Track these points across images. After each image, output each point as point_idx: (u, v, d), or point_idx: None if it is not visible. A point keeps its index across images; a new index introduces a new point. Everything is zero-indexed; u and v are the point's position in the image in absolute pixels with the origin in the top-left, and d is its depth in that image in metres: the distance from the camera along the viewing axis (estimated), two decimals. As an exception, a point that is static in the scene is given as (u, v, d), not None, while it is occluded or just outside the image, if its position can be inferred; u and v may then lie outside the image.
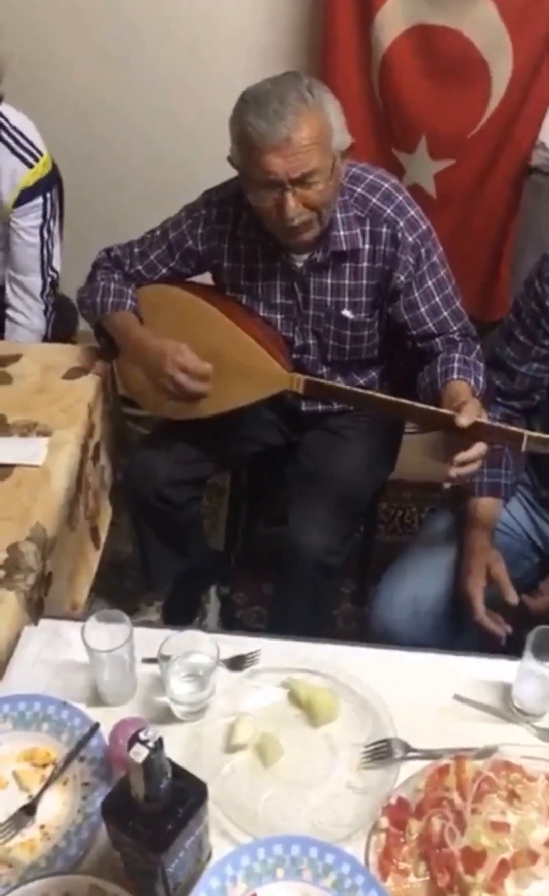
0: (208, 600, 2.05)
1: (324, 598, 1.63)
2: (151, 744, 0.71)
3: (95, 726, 0.99)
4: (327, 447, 1.65)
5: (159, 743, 0.72)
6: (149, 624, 1.79)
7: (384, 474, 1.76)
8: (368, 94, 2.17)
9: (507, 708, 1.05)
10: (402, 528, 2.33)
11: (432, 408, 1.30)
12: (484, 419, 1.25)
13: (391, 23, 2.04)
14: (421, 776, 0.95)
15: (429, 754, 0.98)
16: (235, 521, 2.15)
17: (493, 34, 2.00)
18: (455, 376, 1.39)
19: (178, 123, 2.31)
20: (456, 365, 1.41)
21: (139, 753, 0.70)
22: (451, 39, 2.03)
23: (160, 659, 1.01)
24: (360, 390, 1.48)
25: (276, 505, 2.14)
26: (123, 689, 1.04)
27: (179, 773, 0.78)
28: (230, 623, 2.05)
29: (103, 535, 1.67)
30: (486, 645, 1.36)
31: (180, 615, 2.02)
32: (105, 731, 0.99)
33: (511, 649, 1.33)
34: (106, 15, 2.22)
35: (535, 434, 1.22)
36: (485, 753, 0.97)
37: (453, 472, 1.23)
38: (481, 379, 1.42)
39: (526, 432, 1.22)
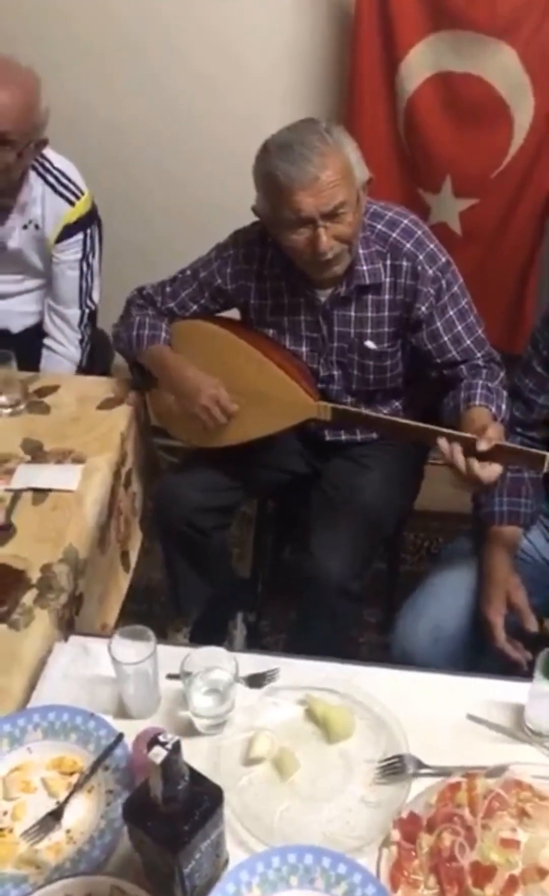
0: (235, 627, 2.08)
1: (344, 623, 1.66)
2: (169, 746, 0.75)
3: (120, 736, 1.03)
4: (349, 475, 1.70)
5: (177, 745, 0.76)
6: (173, 641, 1.84)
7: (406, 502, 1.79)
8: (393, 137, 2.25)
9: (519, 728, 1.07)
10: (428, 558, 2.35)
11: (454, 432, 1.34)
12: (505, 443, 1.29)
13: (416, 70, 2.13)
14: (433, 792, 0.98)
15: (441, 771, 1.01)
16: (261, 548, 2.19)
17: (514, 79, 2.07)
18: (477, 402, 1.44)
19: (209, 167, 2.42)
20: (479, 391, 1.46)
21: (158, 754, 0.75)
22: (474, 85, 2.10)
23: (182, 674, 1.05)
24: (384, 416, 1.54)
25: (302, 532, 2.18)
26: (148, 703, 1.09)
27: (196, 777, 0.82)
28: (256, 650, 2.07)
29: (134, 560, 1.73)
30: (506, 671, 1.38)
31: (207, 641, 2.03)
32: (129, 742, 1.03)
33: (530, 675, 1.35)
34: (134, 59, 2.32)
35: None
36: (496, 772, 0.99)
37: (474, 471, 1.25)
38: (503, 406, 1.46)
39: (547, 454, 1.25)
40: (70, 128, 2.36)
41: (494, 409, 1.43)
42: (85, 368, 1.94)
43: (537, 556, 1.53)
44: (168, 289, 1.71)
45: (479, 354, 1.56)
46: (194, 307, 1.69)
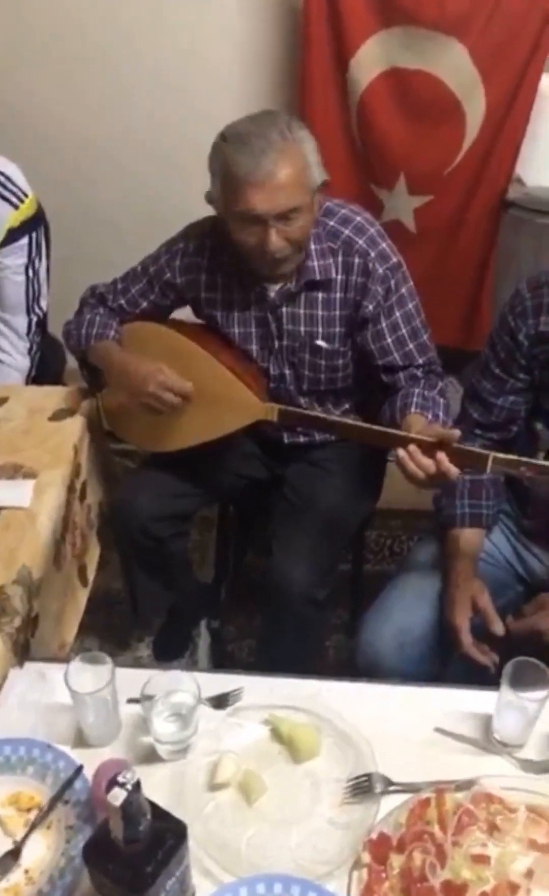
0: (199, 634, 2.06)
1: (311, 632, 1.64)
2: (128, 786, 0.72)
3: (79, 769, 0.99)
4: (310, 480, 1.67)
5: (137, 785, 0.73)
6: (133, 663, 1.81)
7: (368, 506, 1.78)
8: (346, 133, 2.24)
9: (487, 739, 1.06)
10: (391, 558, 2.34)
11: (399, 432, 1.32)
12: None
13: (367, 65, 2.11)
14: (402, 810, 0.96)
15: (410, 788, 0.99)
16: (223, 553, 2.16)
17: (465, 76, 2.07)
18: (413, 409, 1.42)
19: (162, 162, 2.37)
20: (415, 399, 1.45)
21: (117, 796, 0.72)
22: (425, 81, 2.10)
23: (143, 699, 1.02)
24: (334, 417, 1.51)
25: (264, 535, 2.16)
26: (107, 731, 1.05)
27: (158, 813, 0.79)
28: (221, 657, 2.05)
29: (91, 574, 1.68)
30: (474, 674, 1.37)
31: (171, 650, 2.03)
32: (89, 772, 0.99)
33: (498, 678, 1.35)
34: (90, 58, 2.28)
35: (502, 456, 1.23)
36: (466, 785, 0.98)
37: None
38: (440, 413, 1.44)
39: (492, 453, 1.23)
40: (16, 126, 2.31)
41: (430, 417, 1.41)
42: (35, 377, 1.89)
43: (500, 558, 1.53)
44: (119, 286, 1.67)
45: (420, 361, 1.54)
46: (144, 304, 1.66)
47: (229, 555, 2.18)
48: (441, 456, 1.23)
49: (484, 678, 1.33)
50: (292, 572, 1.53)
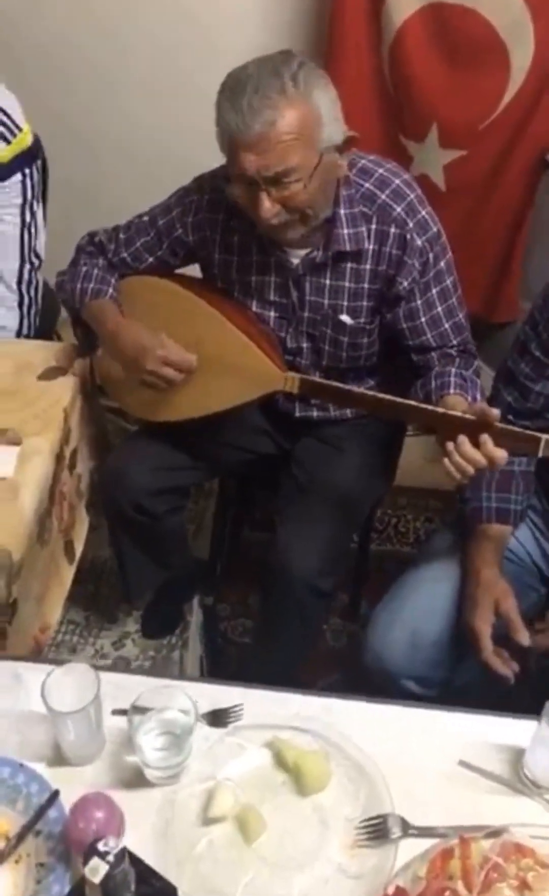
0: (190, 611, 1.95)
1: (313, 621, 1.53)
2: (110, 857, 0.60)
3: (54, 794, 0.87)
4: (321, 458, 1.54)
5: (121, 856, 0.61)
6: (120, 669, 1.69)
7: (382, 489, 1.65)
8: (377, 76, 2.04)
9: (517, 778, 0.94)
10: (397, 538, 2.22)
11: (440, 409, 1.19)
12: (499, 423, 1.14)
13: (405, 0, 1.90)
14: (422, 861, 0.85)
15: (430, 832, 0.88)
16: (221, 527, 2.03)
17: (514, 16, 1.87)
18: (452, 390, 1.29)
19: (173, 100, 2.17)
20: (453, 379, 1.31)
21: (96, 871, 0.59)
22: (468, 19, 1.89)
23: (130, 718, 0.89)
24: (360, 390, 1.37)
25: (266, 510, 2.03)
26: (89, 749, 0.93)
27: (144, 876, 0.67)
28: (214, 635, 1.95)
29: (79, 549, 1.55)
30: (488, 680, 1.26)
31: (161, 627, 1.93)
32: (66, 798, 0.87)
33: (516, 687, 1.24)
34: None
35: None
36: (494, 834, 0.86)
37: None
38: (478, 395, 1.31)
39: (544, 436, 1.11)
40: (23, 47, 2.10)
41: (469, 399, 1.27)
42: (31, 336, 1.72)
43: (525, 557, 1.41)
44: (122, 236, 1.50)
45: (454, 342, 1.40)
46: (150, 259, 1.49)
47: (227, 529, 2.06)
48: (485, 438, 1.10)
49: (501, 685, 1.23)
50: (298, 559, 1.41)
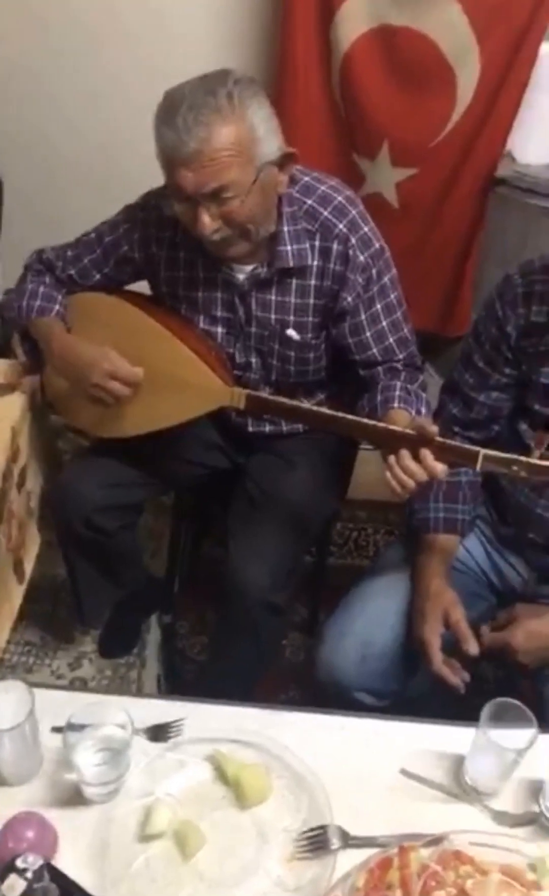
0: (148, 630, 1.93)
1: (267, 637, 1.51)
2: (29, 873, 0.59)
3: (-12, 814, 0.86)
4: (273, 473, 1.54)
5: (40, 873, 0.59)
6: (76, 689, 1.67)
7: (334, 503, 1.65)
8: (327, 96, 2.07)
9: (459, 785, 0.94)
10: (357, 551, 2.23)
11: (383, 425, 1.21)
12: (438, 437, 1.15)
13: (353, 21, 1.94)
14: (360, 871, 0.84)
15: (370, 842, 0.87)
16: (178, 543, 2.02)
17: (459, 38, 1.91)
18: (396, 404, 1.31)
19: (123, 118, 2.18)
20: (397, 393, 1.33)
21: (13, 887, 0.58)
22: (415, 41, 1.93)
23: (65, 734, 0.88)
24: (306, 406, 1.37)
25: (223, 525, 2.02)
26: (26, 768, 0.92)
27: (68, 892, 0.66)
28: (172, 654, 1.93)
29: (29, 568, 1.54)
30: (439, 690, 1.26)
31: (118, 646, 1.90)
32: (2, 818, 0.86)
33: (465, 696, 1.24)
34: (50, 8, 2.08)
35: (493, 453, 1.12)
36: (433, 842, 0.86)
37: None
38: (423, 409, 1.34)
39: (482, 450, 1.12)
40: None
41: (413, 413, 1.29)
42: None
43: (473, 566, 1.41)
44: (70, 253, 1.50)
45: (400, 356, 1.41)
46: (98, 276, 1.49)
47: (185, 545, 2.05)
48: (426, 453, 1.12)
49: (451, 695, 1.24)
50: (249, 574, 1.40)
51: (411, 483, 1.13)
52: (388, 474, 1.15)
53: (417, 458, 1.12)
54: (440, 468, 1.12)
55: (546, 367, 1.25)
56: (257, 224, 1.26)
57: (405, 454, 1.13)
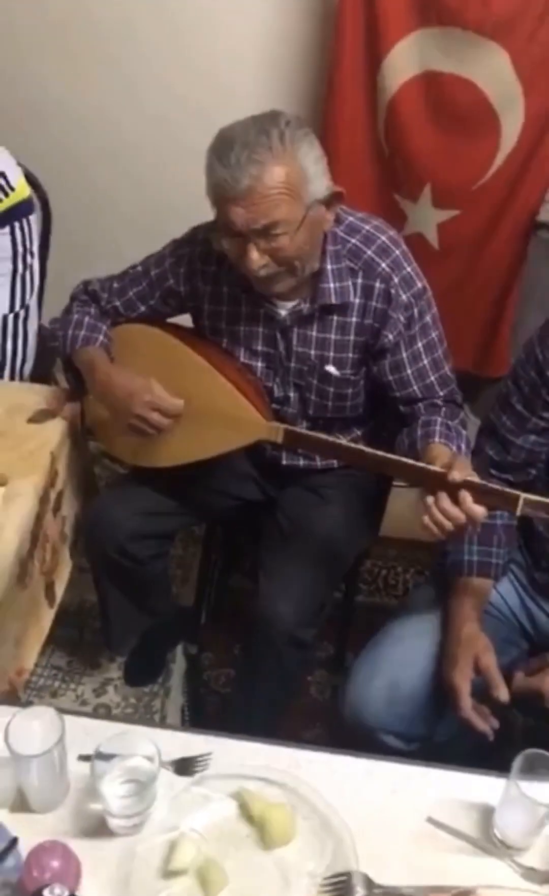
0: (174, 659, 1.93)
1: (293, 673, 1.51)
2: (56, 905, 0.59)
3: (13, 842, 0.85)
4: (306, 507, 1.54)
5: (67, 905, 0.59)
6: (100, 716, 1.67)
7: (366, 540, 1.65)
8: (373, 138, 2.11)
9: (487, 838, 0.92)
10: (386, 590, 2.21)
11: (421, 464, 1.20)
12: (476, 479, 1.14)
13: (400, 68, 1.98)
14: (385, 921, 0.83)
15: (395, 892, 0.86)
16: (207, 574, 2.03)
17: (505, 86, 1.94)
18: (437, 439, 1.30)
19: (171, 158, 2.23)
20: (438, 428, 1.32)
21: (40, 919, 0.58)
22: (462, 88, 1.96)
23: (93, 763, 0.88)
24: (345, 442, 1.38)
25: (253, 557, 2.02)
26: (52, 796, 0.92)
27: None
28: (196, 685, 1.92)
29: (60, 592, 1.54)
30: (467, 736, 1.24)
31: (143, 675, 1.90)
32: (27, 846, 0.86)
33: (495, 742, 1.22)
34: (104, 56, 2.14)
35: (533, 497, 1.11)
36: (460, 895, 0.84)
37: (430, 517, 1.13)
38: (463, 446, 1.33)
39: (523, 494, 1.12)
40: (16, 106, 2.18)
41: (454, 448, 1.29)
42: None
43: (506, 611, 1.40)
44: (116, 285, 1.53)
45: (441, 393, 1.42)
46: (142, 308, 1.52)
47: (213, 576, 2.05)
48: (465, 495, 1.11)
49: (478, 741, 1.22)
50: (278, 608, 1.40)
51: (448, 525, 1.12)
52: (425, 517, 1.14)
53: (456, 500, 1.12)
54: (480, 511, 1.11)
55: (585, 413, 1.25)
56: (304, 261, 1.28)
57: (444, 496, 1.12)
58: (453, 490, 1.12)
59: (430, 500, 1.13)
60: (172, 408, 1.39)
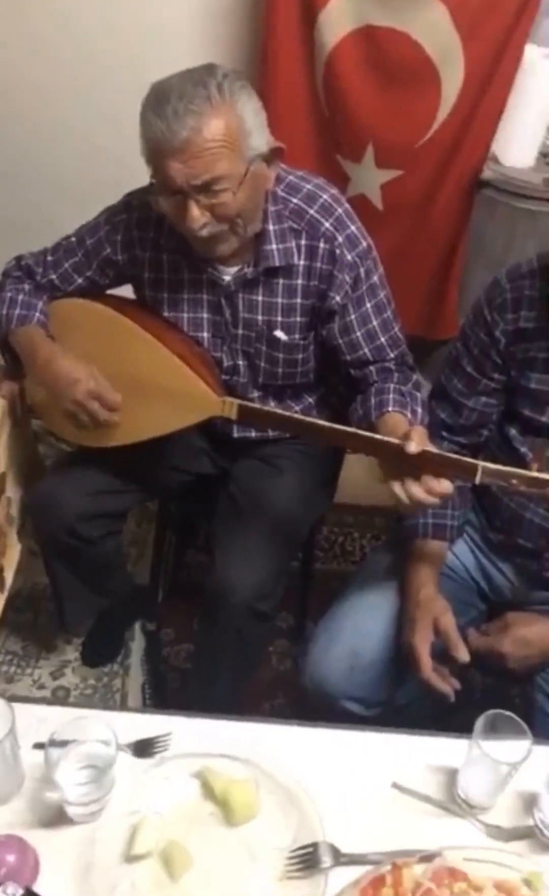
0: (132, 638, 1.91)
1: (253, 645, 1.49)
2: (9, 904, 0.56)
3: (-33, 837, 0.83)
4: (260, 478, 1.52)
5: (20, 904, 0.57)
6: (59, 698, 1.64)
7: (322, 507, 1.63)
8: (311, 97, 2.05)
9: (451, 799, 0.92)
10: (343, 556, 2.21)
11: (378, 436, 1.17)
12: (433, 449, 1.13)
13: (336, 23, 1.92)
14: (353, 890, 0.82)
15: (362, 859, 0.85)
16: (162, 550, 1.99)
17: (444, 39, 1.89)
18: (391, 408, 1.28)
19: (98, 120, 2.15)
20: (391, 396, 1.30)
21: (-8, 921, 0.56)
22: (400, 42, 1.92)
23: (47, 751, 0.85)
24: (299, 416, 1.35)
25: (207, 531, 2.00)
26: (6, 787, 0.89)
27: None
28: (156, 662, 1.90)
29: (10, 577, 1.51)
30: (427, 699, 1.25)
31: (101, 654, 1.87)
32: (-20, 841, 0.83)
33: (456, 704, 1.22)
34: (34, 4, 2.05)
35: (492, 466, 1.10)
36: (427, 859, 0.84)
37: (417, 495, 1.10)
38: (419, 410, 1.30)
39: (481, 463, 1.10)
40: None
41: (409, 415, 1.27)
42: None
43: (463, 573, 1.40)
44: (50, 258, 1.47)
45: (392, 355, 1.39)
46: (80, 280, 1.46)
47: (169, 552, 2.02)
48: (427, 477, 1.09)
49: (438, 703, 1.22)
50: (234, 581, 1.38)
51: (426, 505, 1.10)
52: (400, 505, 1.12)
53: (418, 477, 1.10)
54: (448, 487, 1.09)
55: (536, 373, 1.24)
56: (246, 219, 1.24)
57: (410, 484, 1.09)
58: (411, 461, 1.10)
59: (398, 489, 1.10)
60: (110, 400, 1.34)
